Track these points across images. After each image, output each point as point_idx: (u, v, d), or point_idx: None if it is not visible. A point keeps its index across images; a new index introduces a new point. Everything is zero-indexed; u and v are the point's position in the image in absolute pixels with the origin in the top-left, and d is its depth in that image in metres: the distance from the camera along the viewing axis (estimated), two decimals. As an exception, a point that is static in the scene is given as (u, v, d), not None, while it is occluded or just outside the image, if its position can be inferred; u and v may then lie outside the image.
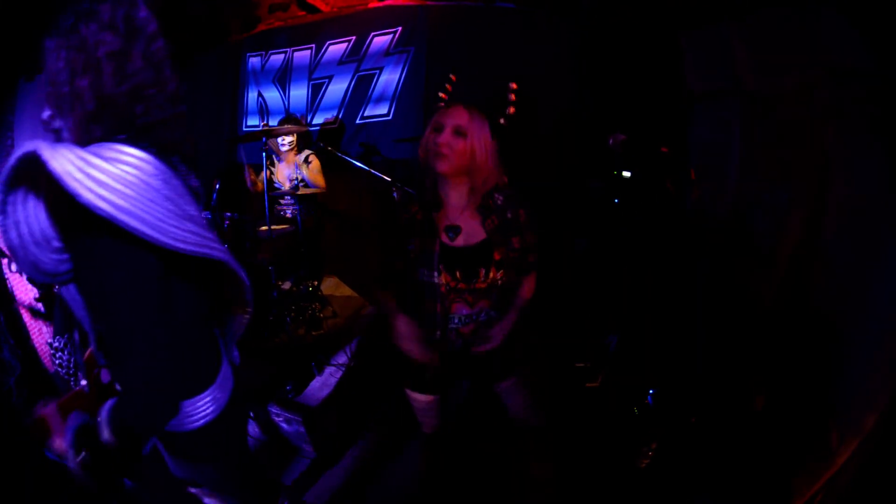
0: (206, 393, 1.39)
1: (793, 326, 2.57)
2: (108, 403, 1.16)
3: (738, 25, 2.94)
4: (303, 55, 4.93)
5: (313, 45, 4.86)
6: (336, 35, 4.73)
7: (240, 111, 5.39)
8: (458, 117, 1.89)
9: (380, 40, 4.50)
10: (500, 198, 1.98)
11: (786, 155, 2.71)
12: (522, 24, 4.04)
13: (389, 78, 4.43)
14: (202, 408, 1.39)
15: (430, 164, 1.91)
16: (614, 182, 3.04)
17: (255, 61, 5.27)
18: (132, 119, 1.18)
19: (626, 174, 3.03)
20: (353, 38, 4.58)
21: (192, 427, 1.37)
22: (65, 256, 1.14)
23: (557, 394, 2.98)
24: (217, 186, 3.84)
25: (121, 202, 1.03)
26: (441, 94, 2.13)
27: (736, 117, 2.98)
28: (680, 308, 3.07)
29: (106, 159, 1.04)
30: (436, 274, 1.93)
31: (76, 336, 1.46)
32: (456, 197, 1.97)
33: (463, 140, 1.89)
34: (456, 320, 2.00)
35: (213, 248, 1.21)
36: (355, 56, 4.61)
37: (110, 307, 1.12)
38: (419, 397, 2.16)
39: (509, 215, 1.97)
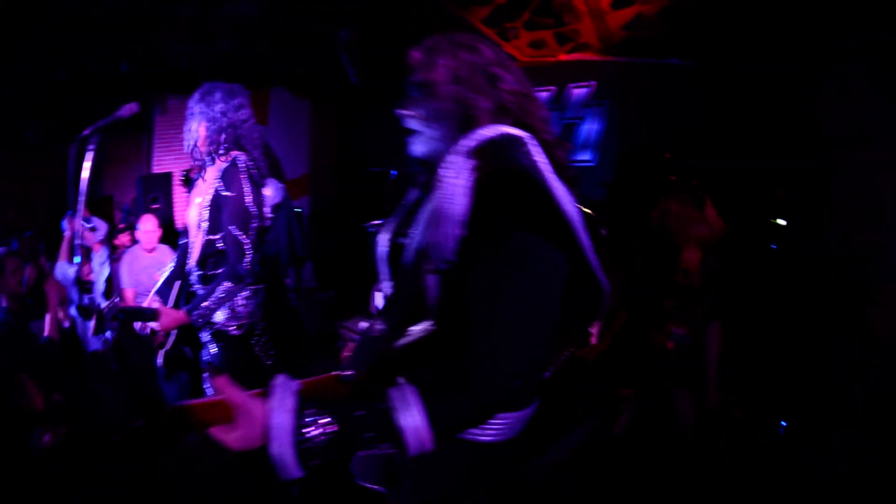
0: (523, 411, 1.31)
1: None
2: (410, 392, 1.06)
3: (866, 63, 3.19)
4: (507, 100, 5.36)
5: (517, 91, 5.28)
6: (537, 84, 5.08)
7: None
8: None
9: (577, 92, 4.92)
10: (714, 259, 2.75)
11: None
12: (686, 79, 4.34)
13: (590, 128, 4.81)
14: (500, 423, 1.27)
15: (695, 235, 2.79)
16: (772, 229, 3.30)
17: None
18: None
19: (782, 222, 3.23)
20: (555, 88, 5.01)
21: (476, 438, 1.25)
22: (456, 244, 1.14)
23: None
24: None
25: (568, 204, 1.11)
26: (672, 178, 2.85)
27: (868, 159, 3.24)
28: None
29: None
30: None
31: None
32: (686, 249, 2.74)
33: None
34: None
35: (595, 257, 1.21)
36: (557, 105, 5.04)
37: (517, 299, 1.09)
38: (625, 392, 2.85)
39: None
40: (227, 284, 2.48)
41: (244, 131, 2.61)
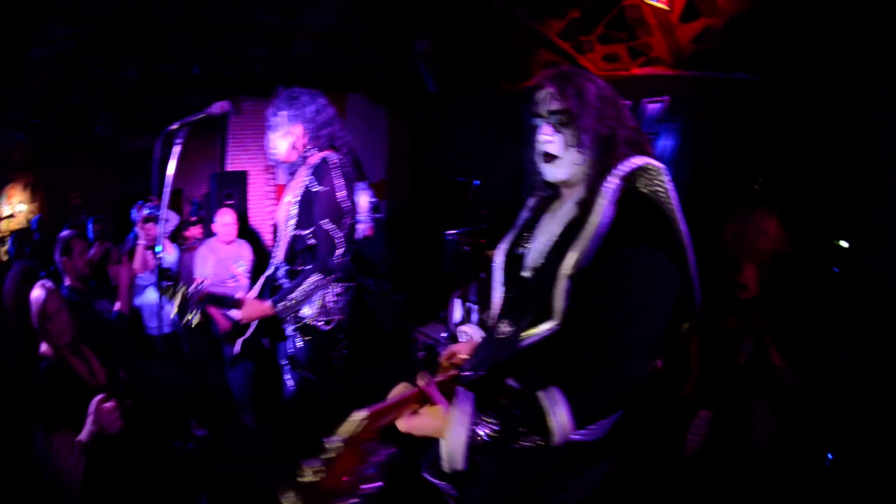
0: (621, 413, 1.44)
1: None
2: (557, 398, 1.23)
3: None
4: (583, 113, 5.38)
5: (592, 104, 5.29)
6: (614, 99, 5.12)
7: (525, 156, 5.89)
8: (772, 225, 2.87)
9: (651, 107, 4.87)
10: (771, 272, 2.82)
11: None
12: (753, 93, 4.27)
13: (664, 144, 4.74)
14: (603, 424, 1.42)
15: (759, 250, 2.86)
16: (834, 251, 3.22)
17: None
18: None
19: (844, 244, 3.19)
20: (630, 102, 4.97)
21: (577, 438, 1.34)
22: (594, 254, 1.31)
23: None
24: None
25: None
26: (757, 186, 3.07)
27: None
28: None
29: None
30: None
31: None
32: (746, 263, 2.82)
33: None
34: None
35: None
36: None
37: (644, 310, 1.27)
38: (703, 413, 2.86)
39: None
40: (315, 277, 2.50)
41: (336, 131, 2.67)
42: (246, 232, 5.70)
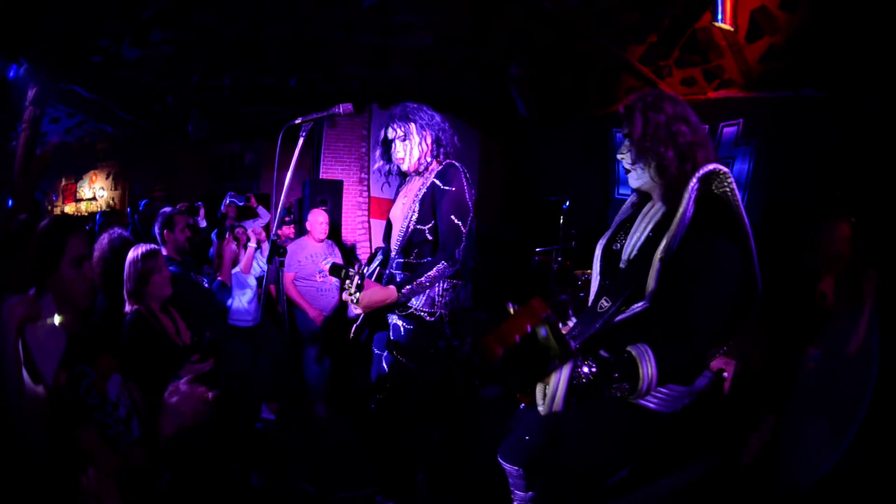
0: (688, 387, 1.65)
1: None
2: (646, 350, 1.48)
3: None
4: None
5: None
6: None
7: (611, 180, 6.20)
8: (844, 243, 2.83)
9: (728, 131, 4.98)
10: (847, 283, 2.76)
11: None
12: (829, 113, 4.30)
13: (741, 167, 4.84)
14: (666, 393, 1.64)
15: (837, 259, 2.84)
16: None
17: (621, 137, 5.88)
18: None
19: None
20: (707, 126, 5.05)
21: (646, 405, 1.61)
22: (679, 241, 1.58)
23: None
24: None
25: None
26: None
27: None
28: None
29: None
30: None
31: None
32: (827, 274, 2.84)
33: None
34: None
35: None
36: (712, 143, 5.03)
37: (716, 288, 1.55)
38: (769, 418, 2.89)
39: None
40: (443, 265, 2.61)
41: (457, 141, 2.83)
42: (337, 237, 5.96)
